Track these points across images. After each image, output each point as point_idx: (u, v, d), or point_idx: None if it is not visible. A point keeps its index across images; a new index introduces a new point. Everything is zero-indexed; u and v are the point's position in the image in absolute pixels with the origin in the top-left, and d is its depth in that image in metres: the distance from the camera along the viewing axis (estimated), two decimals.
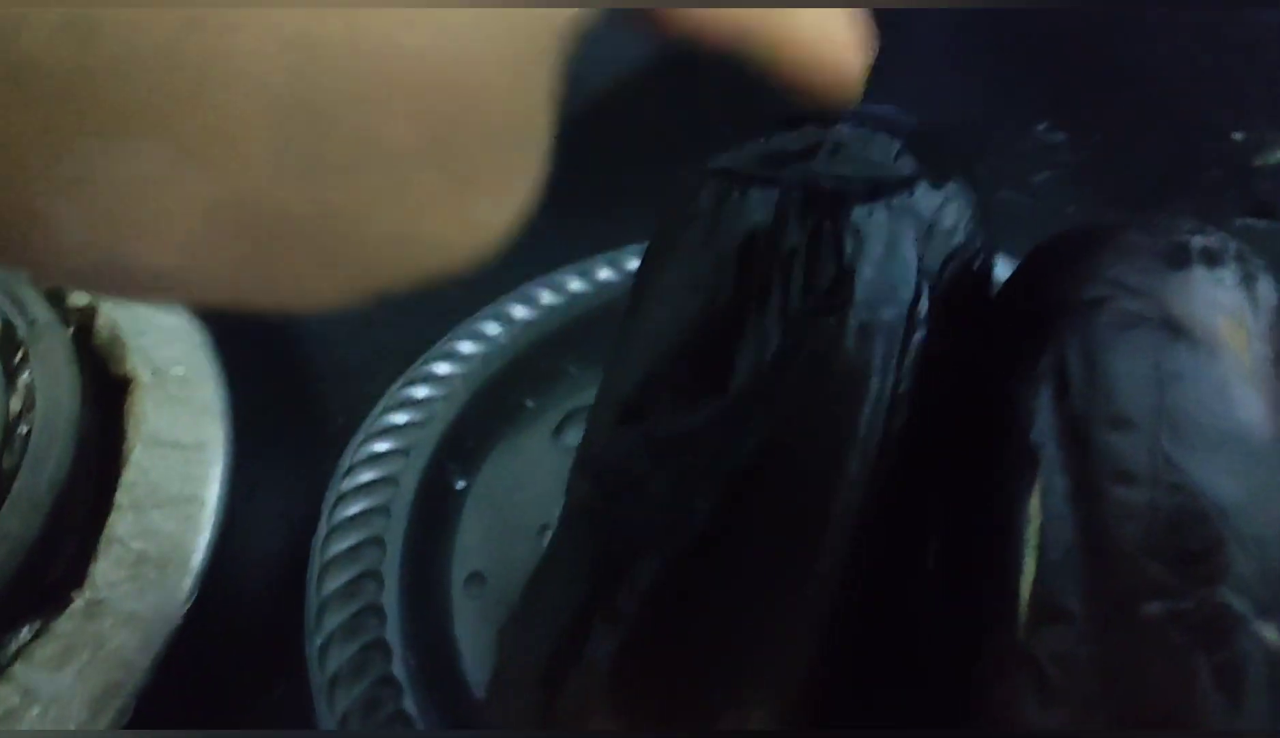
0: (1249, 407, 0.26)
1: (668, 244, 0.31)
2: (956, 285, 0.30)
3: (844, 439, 0.25)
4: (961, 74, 0.51)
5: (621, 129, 0.47)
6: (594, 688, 0.22)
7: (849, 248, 0.28)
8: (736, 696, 0.22)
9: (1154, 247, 0.29)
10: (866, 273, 0.28)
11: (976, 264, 0.31)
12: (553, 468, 0.32)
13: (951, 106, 0.49)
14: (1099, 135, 0.48)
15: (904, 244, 0.29)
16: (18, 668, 0.28)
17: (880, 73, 0.22)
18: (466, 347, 0.36)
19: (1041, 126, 0.49)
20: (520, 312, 0.38)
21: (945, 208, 0.31)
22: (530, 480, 0.34)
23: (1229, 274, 0.29)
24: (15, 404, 0.33)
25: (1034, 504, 0.24)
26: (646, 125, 0.48)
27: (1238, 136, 0.48)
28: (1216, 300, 0.28)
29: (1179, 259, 0.29)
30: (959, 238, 0.30)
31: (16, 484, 0.30)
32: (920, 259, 0.29)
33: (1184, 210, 0.45)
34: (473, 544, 0.32)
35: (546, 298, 0.38)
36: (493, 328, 0.37)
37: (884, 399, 0.26)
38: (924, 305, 0.28)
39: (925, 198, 0.30)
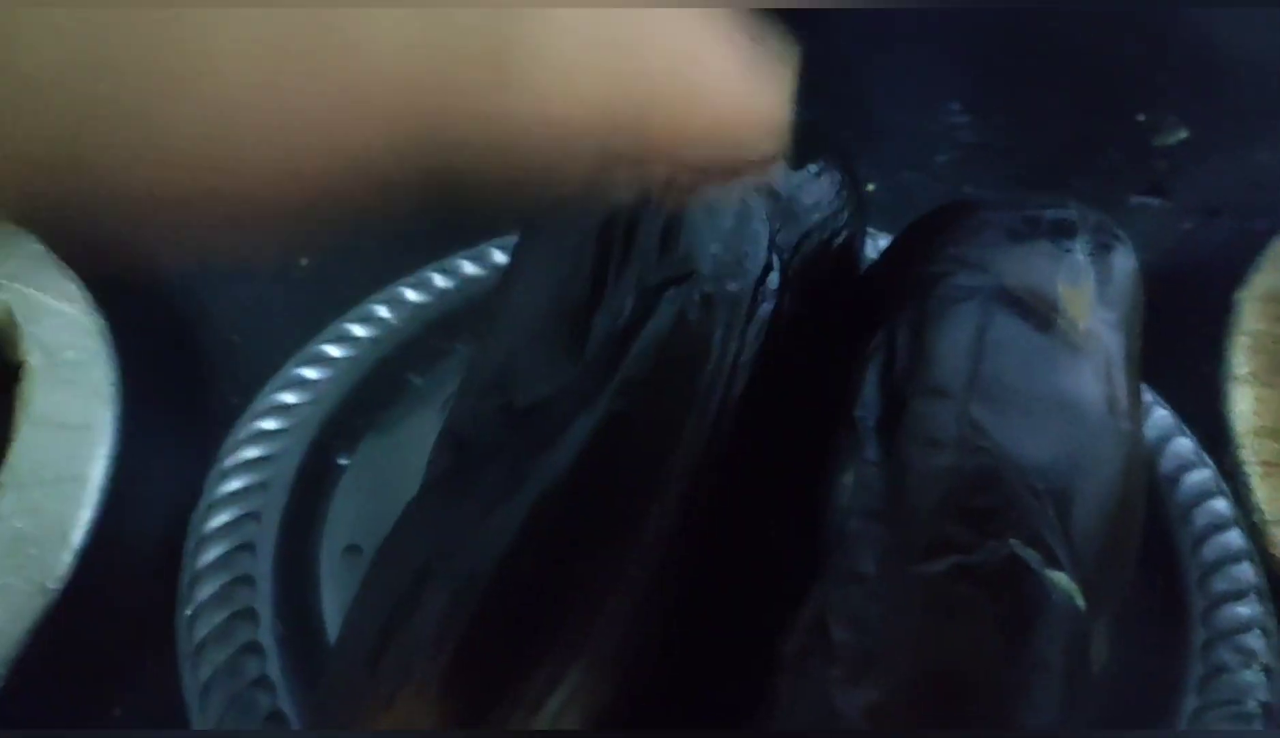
0: (1072, 371, 0.26)
1: (538, 227, 0.31)
2: (814, 262, 0.30)
3: (681, 406, 0.26)
4: (873, 54, 0.51)
5: None
6: (414, 656, 0.22)
7: (699, 224, 0.28)
8: (547, 656, 0.22)
9: (1003, 222, 0.30)
10: (713, 247, 0.28)
11: (838, 241, 0.31)
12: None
13: (858, 87, 0.49)
14: (1003, 117, 0.49)
15: (754, 220, 0.29)
16: None
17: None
18: (357, 329, 0.37)
19: (951, 107, 0.49)
20: (412, 295, 0.38)
21: (805, 188, 0.31)
22: (413, 454, 0.33)
23: (1080, 245, 0.29)
24: None
25: (849, 475, 0.25)
26: None
27: (1140, 118, 0.49)
28: (1057, 271, 0.28)
29: (1025, 233, 0.29)
30: (818, 215, 0.31)
31: None
32: (773, 235, 0.29)
33: (1081, 189, 0.45)
34: (351, 518, 0.33)
35: (439, 281, 0.39)
36: (384, 311, 0.38)
37: (724, 368, 0.26)
38: (773, 279, 0.29)
39: (783, 178, 0.30)
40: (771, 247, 0.29)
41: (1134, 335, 0.29)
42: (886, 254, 0.32)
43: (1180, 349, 0.37)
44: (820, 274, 0.31)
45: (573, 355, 0.27)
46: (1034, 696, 0.21)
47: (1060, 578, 0.22)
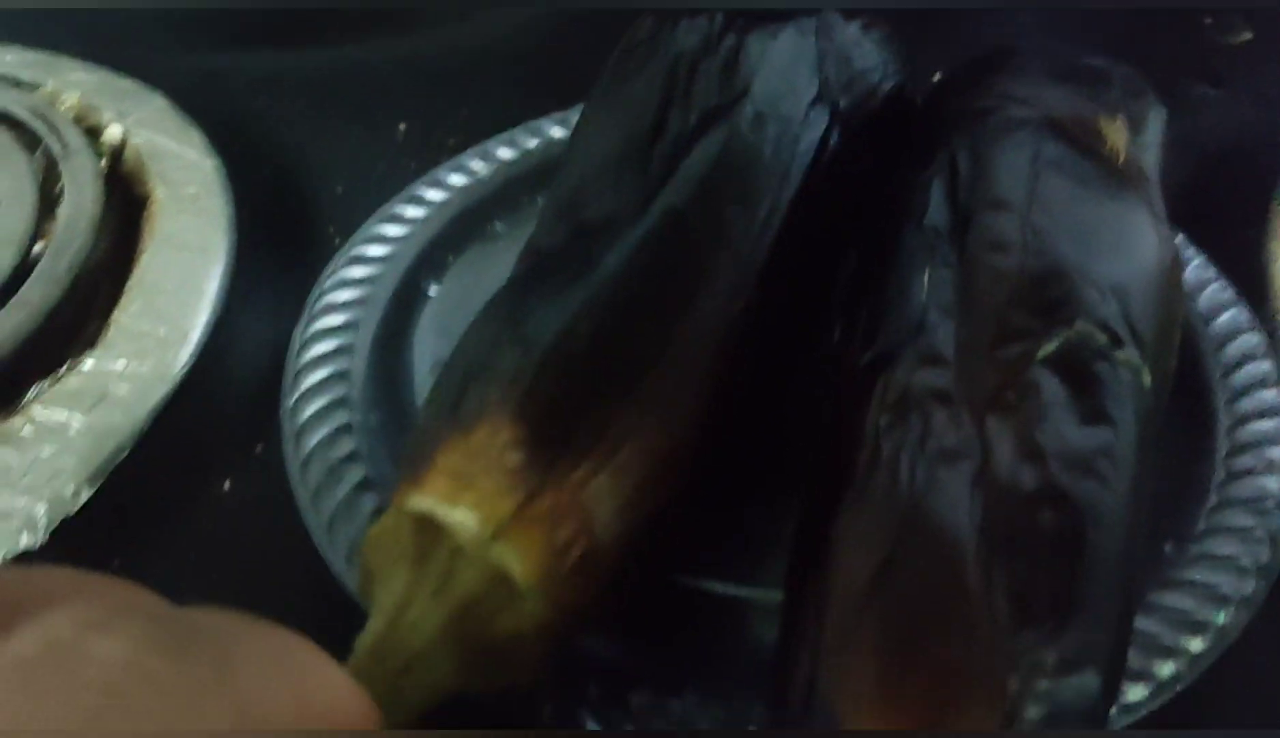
0: (1117, 189, 0.28)
1: (610, 73, 0.33)
2: (864, 98, 0.32)
3: (733, 203, 0.28)
4: None
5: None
6: (489, 397, 0.24)
7: (754, 59, 0.30)
8: (607, 395, 0.24)
9: (1044, 66, 0.31)
10: (766, 74, 0.30)
11: (887, 85, 0.33)
12: None
13: None
14: (1070, 16, 0.49)
15: (806, 58, 0.31)
16: (34, 407, 0.31)
17: None
18: (451, 177, 0.39)
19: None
20: (502, 152, 0.40)
21: (859, 40, 0.33)
22: (493, 288, 0.36)
23: (1115, 91, 0.31)
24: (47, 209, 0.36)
25: (927, 275, 0.26)
26: None
27: (1208, 21, 0.49)
28: (1097, 108, 0.30)
29: (1065, 75, 0.31)
30: (867, 62, 0.32)
31: (40, 264, 0.34)
32: (825, 70, 0.31)
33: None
34: (437, 340, 0.35)
35: (528, 141, 0.41)
36: (475, 163, 0.40)
37: (774, 173, 0.28)
38: (823, 105, 0.30)
39: (837, 25, 0.32)
40: (822, 78, 0.30)
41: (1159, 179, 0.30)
42: (937, 90, 0.33)
43: (1229, 217, 0.38)
44: (869, 109, 0.32)
45: (638, 178, 0.29)
46: (1116, 459, 0.22)
47: (1128, 356, 0.23)
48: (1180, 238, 0.33)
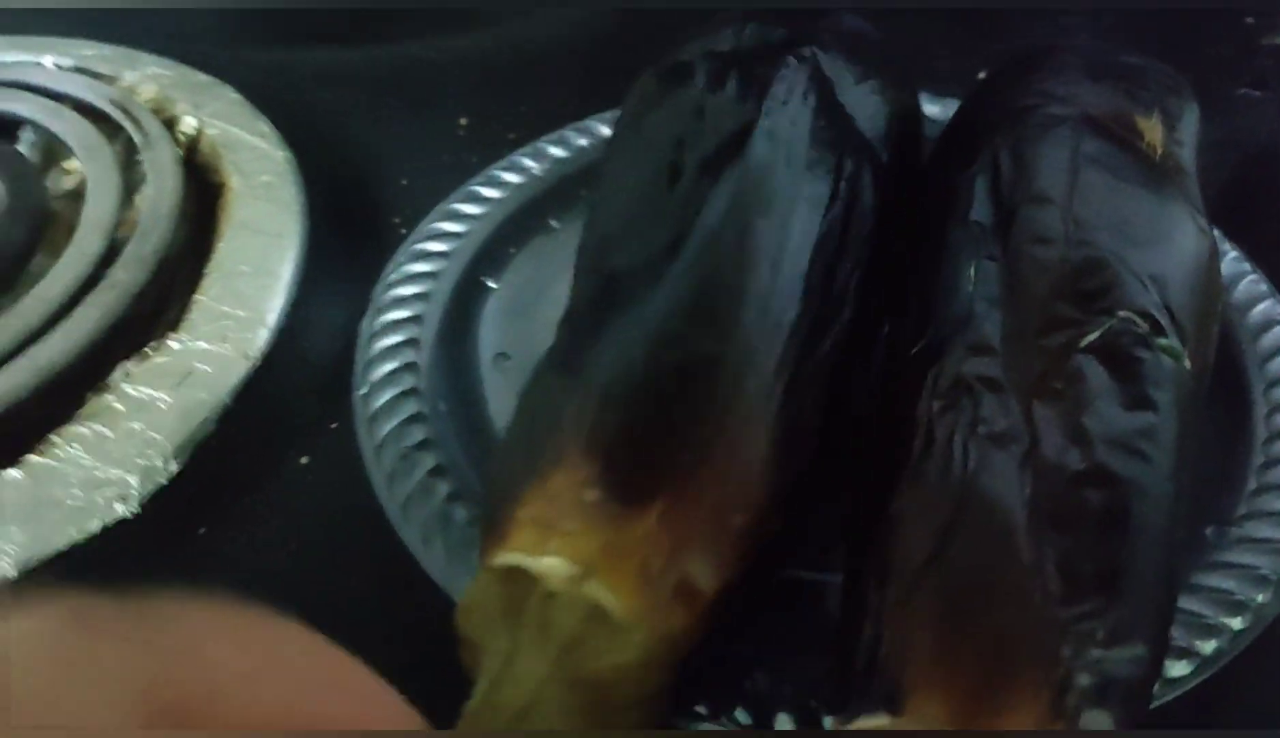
0: (1156, 183, 0.28)
1: (622, 124, 0.33)
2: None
3: (764, 220, 0.28)
4: None
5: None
6: (562, 437, 0.23)
7: (760, 84, 0.30)
8: (692, 432, 0.23)
9: (1082, 63, 0.32)
10: (771, 102, 0.30)
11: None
12: (569, 274, 0.36)
13: None
14: (1113, 15, 0.50)
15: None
16: (123, 384, 0.33)
17: None
18: (507, 175, 0.41)
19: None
20: (555, 150, 0.42)
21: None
22: (549, 283, 0.37)
23: (1151, 88, 0.31)
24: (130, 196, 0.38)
25: (973, 268, 0.27)
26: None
27: (1250, 20, 0.49)
28: (1134, 106, 0.30)
29: (1102, 73, 0.31)
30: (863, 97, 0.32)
31: (127, 248, 0.36)
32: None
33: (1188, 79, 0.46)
34: (498, 331, 0.36)
35: (579, 140, 0.42)
36: (531, 163, 0.41)
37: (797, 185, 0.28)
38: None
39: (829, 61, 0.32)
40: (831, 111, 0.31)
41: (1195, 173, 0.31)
42: (978, 90, 0.34)
43: (1266, 213, 0.39)
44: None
45: (661, 219, 0.28)
46: (1159, 441, 0.23)
47: (1168, 343, 0.24)
48: (1217, 232, 0.34)
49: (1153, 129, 0.30)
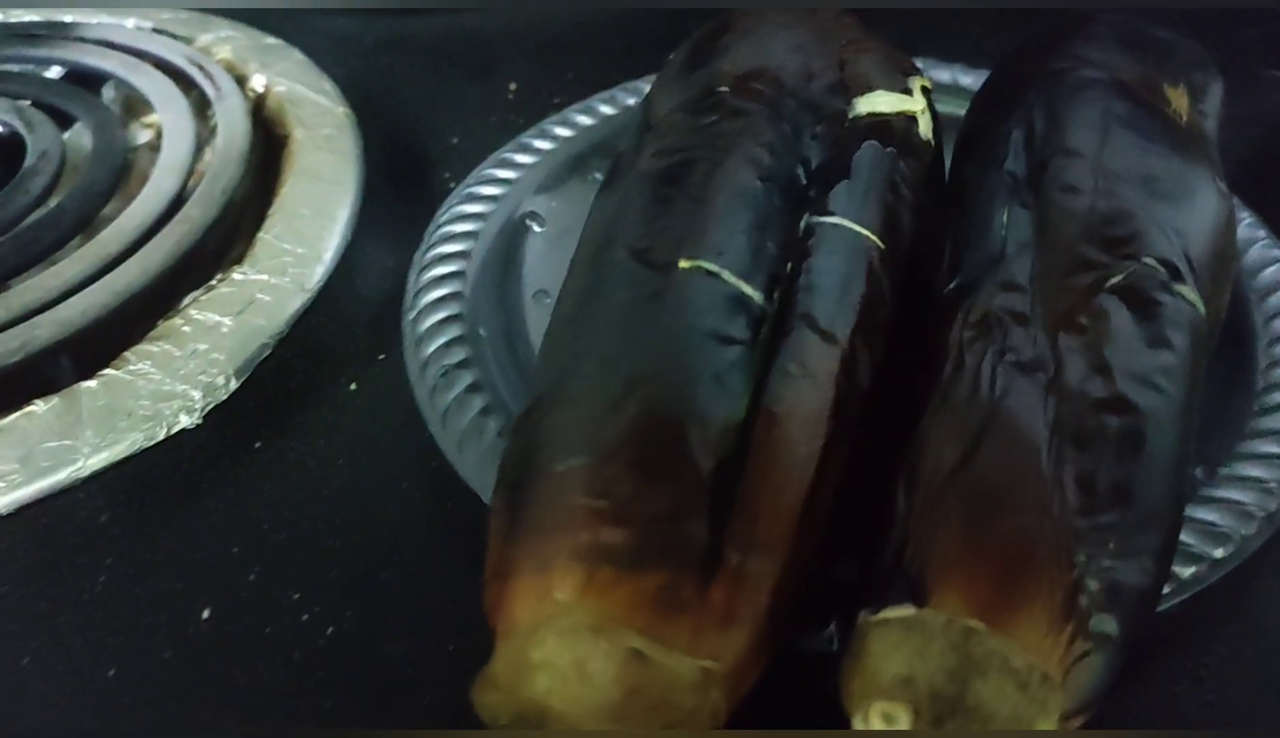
0: (1181, 145, 0.28)
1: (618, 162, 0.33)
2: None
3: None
4: None
5: None
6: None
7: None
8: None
9: (1114, 33, 0.31)
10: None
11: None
12: None
13: None
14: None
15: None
16: (190, 309, 0.33)
17: None
18: (559, 129, 0.40)
19: None
20: (605, 108, 0.41)
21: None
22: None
23: (1178, 60, 0.31)
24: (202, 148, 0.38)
25: (1006, 214, 0.27)
26: None
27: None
28: (1161, 74, 0.30)
29: (1135, 43, 0.31)
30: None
31: (199, 188, 0.36)
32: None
33: (1217, 61, 0.45)
34: (539, 271, 0.36)
35: (628, 100, 0.42)
36: (581, 117, 0.41)
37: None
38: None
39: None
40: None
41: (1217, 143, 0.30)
42: (1016, 52, 0.33)
43: None
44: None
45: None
46: (1174, 378, 0.23)
47: (1186, 289, 0.24)
48: (1235, 201, 0.33)
49: (1179, 97, 0.29)
